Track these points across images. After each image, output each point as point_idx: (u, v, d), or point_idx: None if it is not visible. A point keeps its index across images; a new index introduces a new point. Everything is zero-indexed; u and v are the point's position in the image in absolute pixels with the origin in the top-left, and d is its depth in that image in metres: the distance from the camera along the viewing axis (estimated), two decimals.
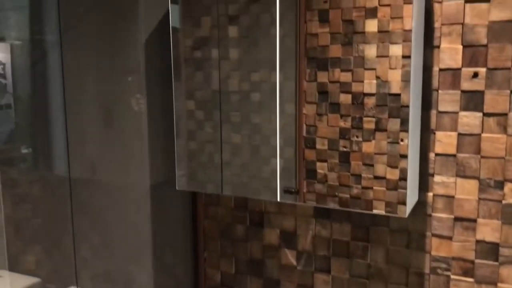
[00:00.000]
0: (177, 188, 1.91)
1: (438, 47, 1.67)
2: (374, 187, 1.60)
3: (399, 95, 1.52)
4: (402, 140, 1.54)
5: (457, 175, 1.71)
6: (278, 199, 1.74)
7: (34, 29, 1.95)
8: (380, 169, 1.58)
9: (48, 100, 1.96)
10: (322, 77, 1.60)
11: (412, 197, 1.66)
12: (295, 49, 1.61)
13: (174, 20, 1.76)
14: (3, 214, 1.92)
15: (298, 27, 1.60)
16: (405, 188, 1.56)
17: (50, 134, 1.99)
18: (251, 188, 1.77)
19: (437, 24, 1.66)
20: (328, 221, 1.93)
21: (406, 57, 1.49)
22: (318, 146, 1.65)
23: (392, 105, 1.53)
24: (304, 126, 1.65)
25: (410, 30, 1.47)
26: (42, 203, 2.01)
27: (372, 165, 1.59)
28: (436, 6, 1.65)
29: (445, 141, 1.71)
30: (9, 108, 2.02)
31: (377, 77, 1.54)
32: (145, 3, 1.81)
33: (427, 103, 1.71)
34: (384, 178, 1.58)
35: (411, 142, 1.56)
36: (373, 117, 1.56)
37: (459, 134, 1.68)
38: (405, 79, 1.50)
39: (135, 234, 1.99)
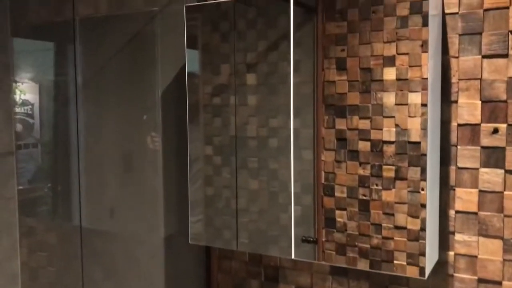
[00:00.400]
0: (190, 242, 1.87)
1: (456, 102, 1.67)
2: (395, 238, 1.55)
3: (419, 143, 1.51)
4: (423, 189, 1.51)
5: (480, 234, 1.65)
6: (293, 256, 1.69)
7: (58, 72, 2.02)
8: (401, 218, 1.54)
9: (69, 144, 1.99)
10: (341, 124, 1.60)
11: (432, 255, 1.60)
12: (313, 96, 1.63)
13: (192, 66, 1.81)
14: (19, 261, 1.89)
15: (315, 75, 1.62)
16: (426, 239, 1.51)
17: (69, 179, 1.99)
18: (268, 236, 1.73)
19: (454, 79, 1.67)
20: (345, 279, 1.86)
21: (425, 105, 1.49)
22: (337, 193, 1.62)
23: (412, 153, 1.52)
24: (323, 173, 1.64)
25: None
26: (57, 251, 1.98)
27: (392, 215, 1.55)
28: (453, 61, 1.67)
29: (465, 198, 1.66)
30: (35, 147, 2.06)
31: (396, 125, 1.53)
32: (163, 49, 1.85)
33: (445, 158, 1.68)
34: (405, 228, 1.54)
35: (429, 195, 1.53)
36: (393, 165, 1.54)
37: (480, 191, 1.64)
38: (425, 127, 1.50)
39: (148, 286, 1.93)
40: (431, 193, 1.55)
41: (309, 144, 1.64)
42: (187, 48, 1.82)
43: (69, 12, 1.86)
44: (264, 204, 1.72)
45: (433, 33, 1.53)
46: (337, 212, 1.62)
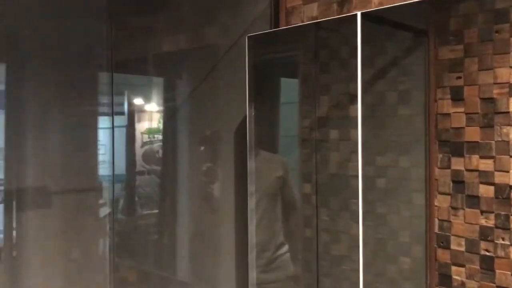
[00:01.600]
0: None
1: None
2: None
3: None
4: None
5: None
6: None
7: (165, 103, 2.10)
8: None
9: (163, 177, 2.03)
10: (457, 164, 1.35)
11: None
12: (424, 131, 1.41)
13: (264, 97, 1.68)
14: None
15: (427, 107, 1.40)
16: None
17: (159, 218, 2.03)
18: None
19: None
20: None
21: None
22: (453, 246, 1.37)
23: None
24: (436, 221, 1.40)
25: None
26: None
27: None
28: None
29: None
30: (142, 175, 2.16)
31: None
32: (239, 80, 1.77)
33: None
34: None
35: None
36: None
37: None
38: None
39: None
40: None
41: (420, 186, 1.42)
42: (247, 78, 1.64)
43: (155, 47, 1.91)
44: (368, 253, 1.53)
45: None
46: (453, 268, 1.37)
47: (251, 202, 1.66)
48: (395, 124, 1.47)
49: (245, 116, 1.65)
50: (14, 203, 1.97)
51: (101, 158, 2.33)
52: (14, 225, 1.94)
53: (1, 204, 2.16)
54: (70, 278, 1.85)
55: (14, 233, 1.95)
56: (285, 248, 1.75)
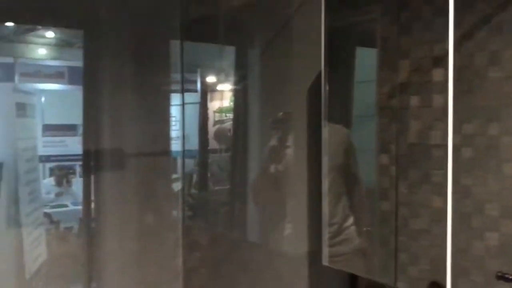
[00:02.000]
0: (323, 262, 1.61)
1: None
2: None
3: None
4: None
5: None
6: None
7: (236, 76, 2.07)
8: None
9: (238, 152, 2.02)
10: None
11: None
12: None
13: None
14: (181, 259, 1.94)
15: None
16: None
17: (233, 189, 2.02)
18: (453, 268, 1.43)
19: None
20: None
21: None
22: None
23: None
24: None
25: None
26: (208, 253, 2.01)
27: None
28: None
29: None
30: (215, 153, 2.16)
31: None
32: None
33: None
34: None
35: None
36: None
37: None
38: None
39: None
40: None
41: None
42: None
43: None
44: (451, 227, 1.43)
45: None
46: None
47: (324, 174, 1.60)
48: (484, 88, 1.34)
49: (315, 88, 1.59)
50: (92, 177, 2.02)
51: (174, 134, 2.35)
52: (92, 196, 2.00)
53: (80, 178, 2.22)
54: (142, 240, 1.88)
55: (92, 205, 2.00)
56: (351, 220, 1.71)
